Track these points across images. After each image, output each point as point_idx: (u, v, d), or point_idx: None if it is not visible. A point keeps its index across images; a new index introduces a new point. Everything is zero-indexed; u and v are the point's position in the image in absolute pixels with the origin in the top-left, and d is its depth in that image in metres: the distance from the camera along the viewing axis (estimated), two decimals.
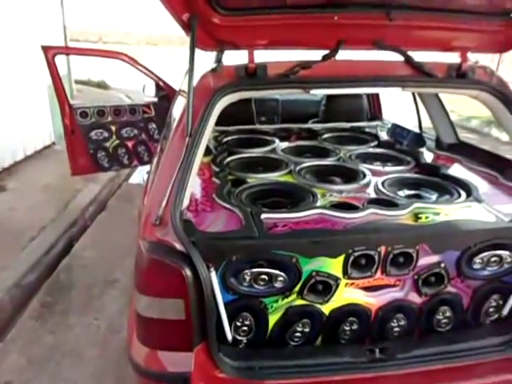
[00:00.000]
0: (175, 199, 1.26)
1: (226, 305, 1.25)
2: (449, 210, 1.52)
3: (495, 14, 1.49)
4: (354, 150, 2.24)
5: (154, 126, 3.52)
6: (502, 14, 1.49)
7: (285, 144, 2.34)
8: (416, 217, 1.47)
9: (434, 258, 1.38)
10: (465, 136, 5.64)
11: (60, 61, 3.06)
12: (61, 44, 6.16)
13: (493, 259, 1.41)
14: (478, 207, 1.53)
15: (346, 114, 2.78)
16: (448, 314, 1.46)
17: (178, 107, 2.20)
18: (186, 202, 1.34)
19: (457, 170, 1.98)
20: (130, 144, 3.49)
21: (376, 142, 2.42)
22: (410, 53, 1.56)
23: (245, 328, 1.36)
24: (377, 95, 3.10)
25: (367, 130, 2.71)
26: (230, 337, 1.31)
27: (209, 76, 1.49)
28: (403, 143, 2.34)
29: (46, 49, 2.95)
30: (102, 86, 11.06)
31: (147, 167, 3.16)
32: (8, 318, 2.45)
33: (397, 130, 2.48)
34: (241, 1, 1.35)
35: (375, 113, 3.08)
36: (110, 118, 3.36)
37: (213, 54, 1.56)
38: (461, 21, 1.49)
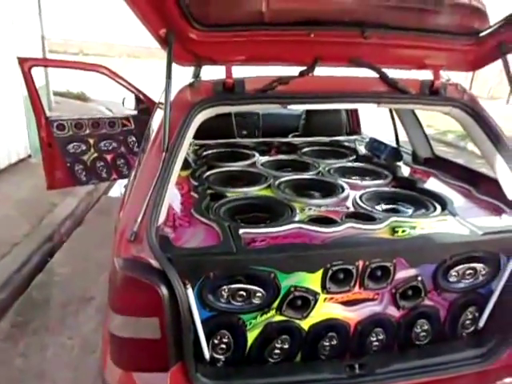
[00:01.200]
0: (151, 214, 1.23)
1: (203, 322, 1.23)
2: (425, 223, 1.54)
3: (465, 34, 1.55)
4: (333, 164, 2.27)
5: (134, 138, 3.49)
6: (471, 34, 1.55)
7: (265, 158, 2.35)
8: (393, 231, 1.48)
9: (411, 272, 1.39)
10: (441, 150, 5.82)
11: (38, 71, 3.01)
12: (39, 55, 6.07)
13: (468, 272, 1.43)
14: (452, 221, 1.56)
15: (326, 128, 2.82)
16: (426, 327, 1.48)
17: (157, 120, 2.18)
18: (162, 218, 1.32)
19: (432, 184, 2.02)
20: (108, 157, 3.43)
21: (354, 156, 2.46)
22: (385, 70, 1.60)
23: (223, 346, 1.33)
24: (356, 110, 3.15)
25: (346, 144, 2.75)
26: (207, 355, 1.28)
27: (186, 90, 1.49)
28: (381, 157, 2.38)
29: (22, 60, 2.90)
30: (81, 97, 10.89)
31: (126, 181, 3.11)
32: None
33: (374, 144, 2.52)
34: (218, 17, 1.36)
35: (354, 127, 3.13)
36: (88, 131, 3.31)
37: (191, 69, 1.56)
38: (433, 40, 1.54)
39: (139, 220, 1.25)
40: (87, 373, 2.10)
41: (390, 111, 2.52)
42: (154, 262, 1.18)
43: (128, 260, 1.22)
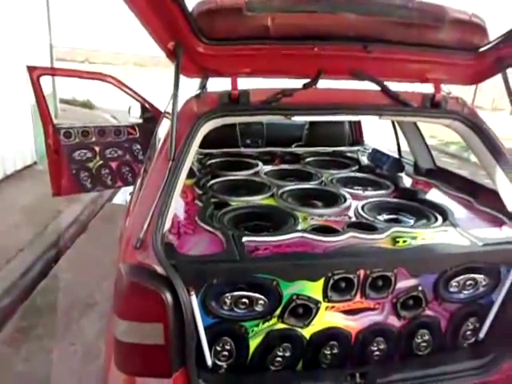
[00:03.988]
0: (157, 222, 1.26)
1: (206, 329, 1.25)
2: (426, 234, 1.56)
3: (465, 49, 1.59)
4: (336, 174, 2.30)
5: (139, 147, 3.53)
6: (471, 49, 1.58)
7: (268, 167, 2.38)
8: (394, 241, 1.50)
9: (412, 282, 1.41)
10: (444, 161, 5.84)
11: (45, 79, 3.06)
12: (47, 63, 6.17)
13: (468, 282, 1.44)
14: (453, 231, 1.58)
15: (329, 138, 2.85)
16: (427, 337, 1.49)
17: (163, 129, 2.22)
18: (167, 225, 1.34)
19: (434, 195, 2.04)
20: (113, 165, 3.47)
21: (357, 167, 2.49)
22: (387, 83, 1.64)
23: (225, 353, 1.34)
24: (359, 121, 3.19)
25: (349, 154, 2.78)
26: (209, 362, 1.29)
27: (193, 101, 1.53)
28: (383, 168, 2.40)
29: (31, 69, 2.95)
30: (87, 105, 11.03)
31: (131, 188, 3.15)
32: None
33: (377, 155, 2.55)
34: (225, 31, 1.39)
35: (357, 138, 3.16)
36: (94, 139, 3.35)
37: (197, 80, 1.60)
38: (434, 54, 1.57)
39: (145, 227, 1.27)
40: (90, 378, 2.11)
41: (393, 122, 2.55)
42: (159, 269, 1.20)
43: (134, 266, 1.25)
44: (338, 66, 1.57)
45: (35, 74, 2.96)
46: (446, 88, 1.71)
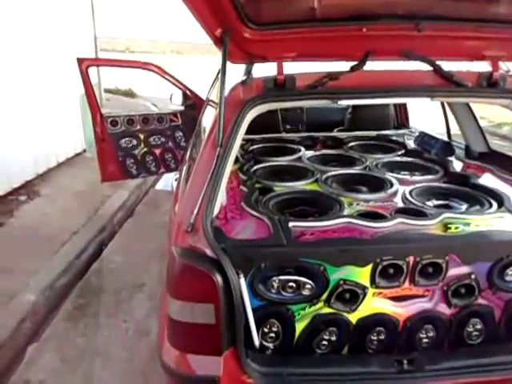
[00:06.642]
0: (206, 207, 1.30)
1: (254, 311, 1.27)
2: (479, 220, 1.50)
3: None
4: (381, 159, 2.24)
5: (181, 133, 3.60)
6: None
7: (310, 152, 2.36)
8: (445, 227, 1.46)
9: (464, 269, 1.36)
10: (496, 143, 5.49)
11: (91, 70, 3.18)
12: (91, 54, 6.41)
13: None
14: (510, 218, 1.50)
15: (372, 122, 2.78)
16: (479, 326, 1.44)
17: (208, 117, 2.26)
18: (216, 210, 1.38)
19: (488, 180, 1.95)
20: (157, 151, 3.57)
21: (403, 151, 2.41)
22: (439, 62, 1.56)
23: (272, 334, 1.37)
24: (404, 103, 3.07)
25: (394, 138, 2.69)
26: (257, 343, 1.33)
27: (239, 88, 1.54)
28: (431, 152, 2.31)
29: (80, 61, 3.08)
30: (129, 94, 11.38)
31: (173, 174, 3.24)
32: (42, 319, 2.55)
33: (425, 139, 2.45)
34: (271, 16, 1.39)
35: (402, 121, 3.05)
36: (138, 127, 3.45)
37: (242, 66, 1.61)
38: (492, 30, 1.48)
39: (195, 212, 1.31)
40: (141, 353, 2.25)
41: (442, 104, 2.43)
42: (209, 252, 1.25)
43: (185, 249, 1.30)
44: (387, 46, 1.52)
45: (84, 65, 3.08)
46: (504, 66, 1.61)
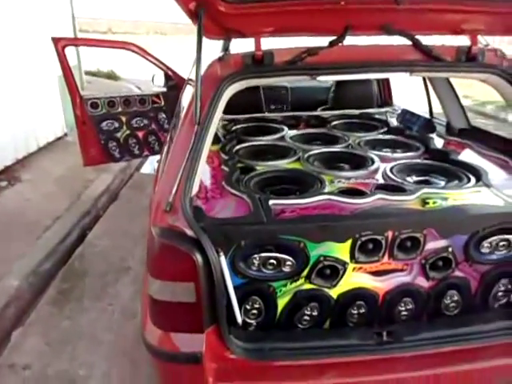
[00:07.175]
0: (185, 186, 1.29)
1: (235, 288, 1.28)
2: (457, 195, 1.52)
3: None
4: (364, 137, 2.24)
5: (164, 115, 3.54)
6: None
7: (293, 132, 2.35)
8: (424, 202, 1.47)
9: (442, 243, 1.39)
10: (480, 122, 5.55)
11: (70, 51, 3.08)
12: (70, 34, 6.19)
13: (501, 243, 1.41)
14: (487, 192, 1.53)
15: (356, 100, 2.77)
16: (456, 298, 1.47)
17: (187, 96, 2.21)
18: (195, 189, 1.37)
19: (467, 155, 1.97)
20: (140, 134, 3.52)
21: (386, 129, 2.41)
22: (418, 37, 1.55)
23: (254, 311, 1.39)
24: (387, 81, 3.06)
25: (377, 116, 2.69)
26: (239, 320, 1.34)
27: (216, 64, 1.50)
28: (413, 129, 2.32)
29: (56, 40, 2.98)
30: (111, 76, 11.09)
31: (158, 157, 3.20)
32: (27, 303, 2.54)
33: (407, 116, 2.46)
34: None
35: (385, 99, 3.05)
36: (120, 109, 3.39)
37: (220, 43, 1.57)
38: (470, 3, 1.46)
39: (174, 191, 1.30)
40: (127, 335, 2.26)
41: (424, 81, 2.43)
42: (188, 231, 1.24)
43: (164, 229, 1.29)
44: (366, 20, 1.49)
45: (60, 44, 2.98)
46: (482, 40, 1.60)
